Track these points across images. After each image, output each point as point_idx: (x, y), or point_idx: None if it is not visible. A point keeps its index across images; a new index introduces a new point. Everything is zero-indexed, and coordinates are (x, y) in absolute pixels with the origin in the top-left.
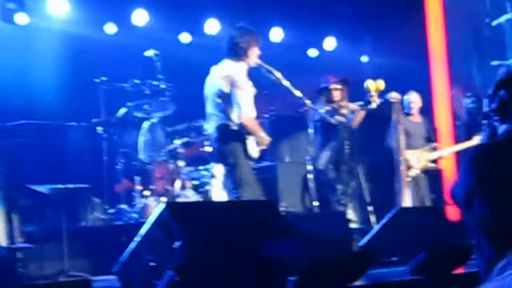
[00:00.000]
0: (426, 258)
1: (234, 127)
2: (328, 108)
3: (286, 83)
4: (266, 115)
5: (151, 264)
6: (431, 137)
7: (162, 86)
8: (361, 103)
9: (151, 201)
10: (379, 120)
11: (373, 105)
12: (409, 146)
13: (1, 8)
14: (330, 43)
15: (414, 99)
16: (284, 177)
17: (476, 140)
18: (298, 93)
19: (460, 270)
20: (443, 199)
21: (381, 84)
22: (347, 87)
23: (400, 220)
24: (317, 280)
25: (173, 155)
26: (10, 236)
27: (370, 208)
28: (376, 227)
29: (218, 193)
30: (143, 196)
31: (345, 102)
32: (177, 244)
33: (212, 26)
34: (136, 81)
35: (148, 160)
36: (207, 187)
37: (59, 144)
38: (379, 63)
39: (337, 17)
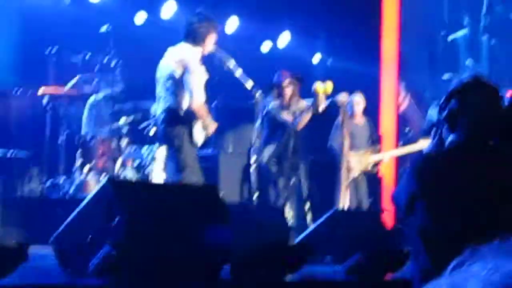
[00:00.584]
0: (360, 260)
1: (182, 111)
2: (277, 103)
3: (238, 72)
4: (214, 102)
5: (89, 238)
6: (374, 140)
7: (113, 63)
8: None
9: (90, 176)
10: (324, 120)
11: (320, 108)
12: (353, 148)
13: None
14: (284, 38)
15: (358, 100)
16: (226, 167)
17: (420, 144)
18: (249, 84)
19: (392, 276)
20: (380, 204)
21: (329, 87)
22: (299, 84)
23: (336, 221)
24: (251, 270)
25: (117, 133)
26: None
27: (307, 206)
28: (313, 225)
29: (159, 175)
30: (82, 172)
31: (296, 99)
32: (116, 220)
33: (169, 8)
34: (87, 55)
35: (90, 136)
36: (148, 168)
37: (3, 110)
38: (331, 63)
39: (293, 13)
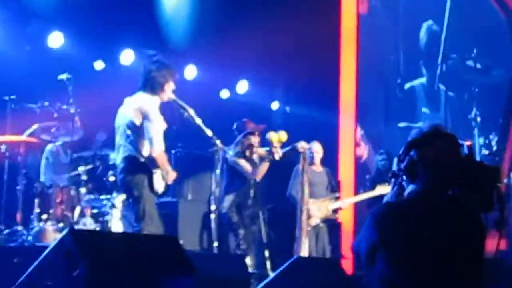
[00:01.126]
0: None
1: (142, 160)
2: (237, 152)
3: (198, 121)
4: (173, 151)
5: None
6: (333, 187)
7: (72, 111)
8: (267, 149)
9: (48, 225)
10: (281, 168)
11: (276, 157)
12: (312, 196)
13: None
14: (242, 86)
15: (316, 149)
16: (185, 214)
17: (377, 191)
18: (209, 132)
19: None
20: (340, 251)
21: (283, 135)
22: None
23: (298, 269)
24: None
25: (76, 182)
26: None
27: (267, 254)
28: (274, 273)
29: (117, 224)
30: (40, 220)
31: (257, 148)
32: (77, 271)
33: (127, 57)
34: (46, 103)
35: (49, 184)
36: (106, 217)
37: None
38: (290, 110)
39: (251, 60)
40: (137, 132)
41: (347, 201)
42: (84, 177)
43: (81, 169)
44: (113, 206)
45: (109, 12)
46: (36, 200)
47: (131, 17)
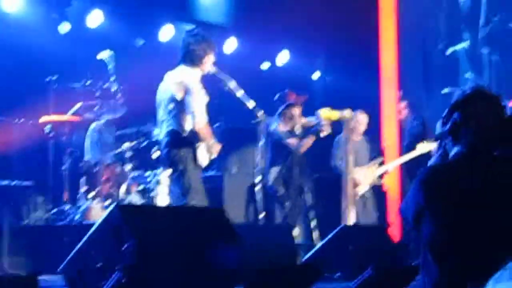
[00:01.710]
0: (371, 276)
1: (185, 134)
2: (281, 124)
3: (240, 93)
4: (216, 125)
5: (98, 264)
6: (375, 154)
7: (114, 88)
8: (313, 119)
9: (95, 203)
10: (325, 138)
11: (323, 134)
12: (356, 164)
13: None
14: (283, 56)
15: (362, 119)
16: (230, 188)
17: (419, 150)
18: (251, 104)
19: None
20: (386, 217)
21: (334, 115)
22: (303, 104)
23: (344, 237)
24: None
25: (121, 159)
26: None
27: (313, 224)
28: (320, 243)
29: (164, 199)
30: (87, 198)
31: (300, 119)
32: (126, 245)
33: (167, 32)
34: (88, 82)
35: (94, 162)
36: (152, 193)
37: (6, 140)
38: (330, 80)
39: (291, 31)
40: (179, 107)
41: (392, 164)
42: (128, 154)
43: (125, 146)
44: (158, 182)
45: None
46: (82, 179)
47: None
